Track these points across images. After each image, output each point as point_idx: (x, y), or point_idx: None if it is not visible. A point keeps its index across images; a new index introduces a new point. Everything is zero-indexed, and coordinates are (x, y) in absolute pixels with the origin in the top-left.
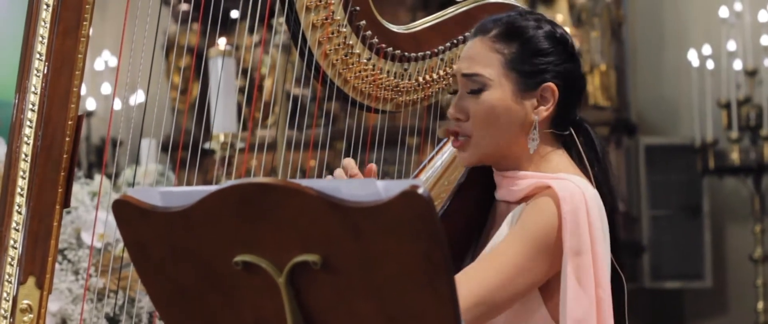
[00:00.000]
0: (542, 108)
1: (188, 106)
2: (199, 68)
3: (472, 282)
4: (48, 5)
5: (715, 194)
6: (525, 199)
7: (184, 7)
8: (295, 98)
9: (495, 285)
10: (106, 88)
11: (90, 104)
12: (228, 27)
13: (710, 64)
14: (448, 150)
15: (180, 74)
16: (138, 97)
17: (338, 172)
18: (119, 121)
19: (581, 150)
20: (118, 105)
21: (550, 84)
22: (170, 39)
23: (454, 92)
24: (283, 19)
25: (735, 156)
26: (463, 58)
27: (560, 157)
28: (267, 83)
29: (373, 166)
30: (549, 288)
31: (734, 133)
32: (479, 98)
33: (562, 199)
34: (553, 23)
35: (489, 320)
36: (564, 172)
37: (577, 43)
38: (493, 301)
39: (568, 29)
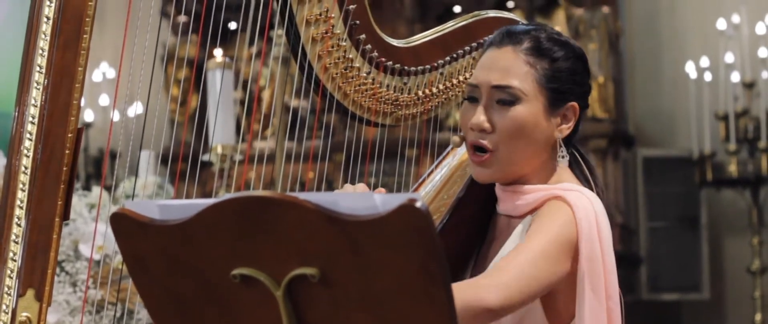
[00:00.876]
0: (565, 126)
1: (187, 118)
2: (198, 80)
3: (505, 274)
4: (48, 18)
5: (713, 206)
6: (532, 211)
7: (182, 19)
8: (294, 110)
9: (518, 288)
10: (105, 100)
11: (88, 116)
12: (227, 39)
13: (708, 76)
14: (447, 164)
15: (179, 86)
16: (136, 109)
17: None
18: (118, 133)
19: (583, 165)
20: (116, 117)
21: (574, 104)
22: (169, 51)
23: (470, 99)
24: (282, 32)
25: (733, 168)
26: (490, 68)
27: (565, 172)
28: (266, 95)
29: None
30: (551, 293)
31: (732, 145)
32: (510, 111)
33: (575, 206)
34: (572, 41)
35: (503, 316)
36: (570, 184)
37: None
38: (528, 292)
39: None
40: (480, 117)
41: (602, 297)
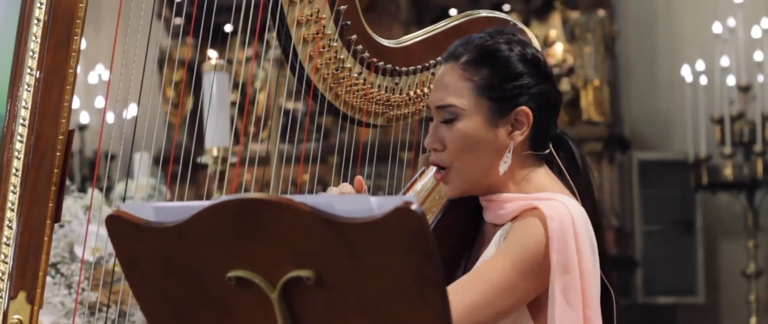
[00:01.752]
0: (517, 132)
1: (181, 120)
2: (193, 82)
3: (457, 297)
4: (39, 20)
5: (708, 210)
6: (513, 220)
7: (177, 21)
8: (288, 112)
9: (480, 302)
10: (100, 102)
11: (83, 118)
12: (221, 41)
13: (703, 80)
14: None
15: (173, 88)
16: (131, 111)
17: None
18: (113, 135)
19: (561, 166)
20: (111, 119)
21: (524, 108)
22: (164, 53)
23: (430, 120)
24: (274, 33)
25: (728, 171)
26: (435, 88)
27: (542, 176)
28: (260, 97)
29: (360, 178)
30: (538, 304)
31: (727, 149)
32: (453, 127)
33: (549, 218)
34: (524, 43)
35: None
36: (548, 191)
37: (570, 59)
38: (478, 317)
39: (561, 45)
40: (429, 138)
41: (578, 306)
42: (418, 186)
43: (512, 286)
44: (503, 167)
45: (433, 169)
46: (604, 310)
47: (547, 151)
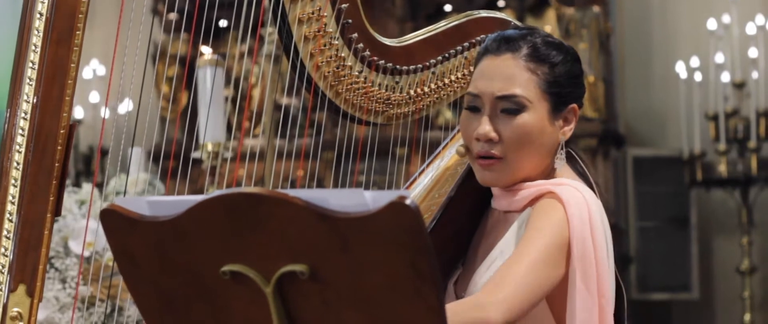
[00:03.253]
0: (567, 128)
1: (178, 116)
2: (189, 78)
3: (505, 289)
4: (41, 14)
5: (703, 206)
6: (530, 203)
7: (173, 16)
8: (284, 108)
9: (527, 285)
10: (95, 97)
11: (78, 113)
12: (218, 37)
13: (698, 76)
14: (438, 164)
15: (169, 83)
16: (127, 106)
17: None
18: (108, 130)
19: (582, 164)
20: (107, 114)
21: (575, 106)
22: (160, 48)
23: (471, 108)
24: (274, 30)
25: (722, 168)
26: (495, 77)
27: (564, 170)
28: (256, 93)
29: None
30: (553, 293)
31: (722, 146)
32: (515, 119)
33: (566, 202)
34: (565, 43)
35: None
36: (566, 179)
37: None
38: (529, 302)
39: None
40: (486, 127)
41: (595, 295)
42: (429, 176)
43: (551, 261)
44: (560, 164)
45: (442, 159)
46: (616, 307)
47: (567, 149)
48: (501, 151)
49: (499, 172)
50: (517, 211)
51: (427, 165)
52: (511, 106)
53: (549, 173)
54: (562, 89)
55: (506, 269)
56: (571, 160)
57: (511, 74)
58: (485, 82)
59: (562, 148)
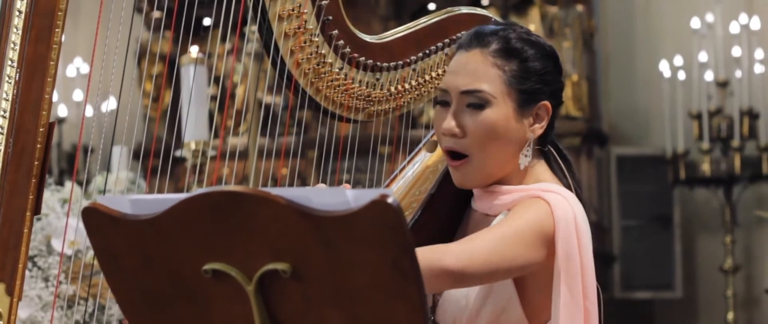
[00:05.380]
0: (537, 126)
1: (160, 114)
2: (172, 76)
3: (472, 243)
4: (20, 12)
5: (686, 205)
6: (510, 208)
7: (156, 14)
8: (267, 106)
9: (494, 248)
10: (78, 95)
11: (62, 111)
12: (201, 35)
13: (682, 75)
14: (419, 160)
15: (152, 82)
16: (110, 105)
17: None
18: (91, 128)
19: (561, 164)
20: (89, 112)
21: (546, 103)
22: (143, 46)
23: (441, 103)
24: (255, 28)
25: (706, 167)
26: (461, 72)
27: (542, 170)
28: (239, 91)
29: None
30: (524, 285)
31: (705, 144)
32: (480, 115)
33: (554, 206)
34: (540, 37)
35: (475, 284)
36: (548, 183)
37: None
38: (490, 264)
39: None
40: (450, 122)
41: (579, 297)
42: (409, 172)
43: (524, 241)
44: (524, 161)
45: (420, 158)
46: None
47: (547, 148)
48: (465, 146)
49: (467, 173)
50: (494, 215)
51: (408, 161)
52: (475, 102)
53: (527, 173)
54: (531, 85)
55: (480, 232)
56: (552, 161)
57: (476, 69)
58: (452, 77)
59: (529, 146)
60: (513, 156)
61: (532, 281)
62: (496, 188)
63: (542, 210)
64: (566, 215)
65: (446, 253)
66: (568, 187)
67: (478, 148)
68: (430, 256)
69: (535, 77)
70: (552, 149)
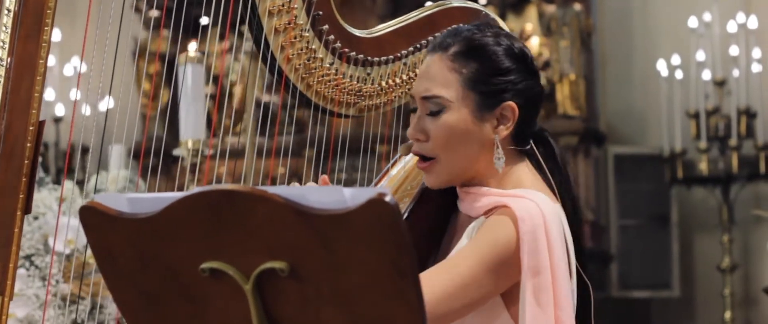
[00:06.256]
0: (502, 127)
1: (158, 113)
2: (169, 75)
3: (425, 287)
4: (9, 10)
5: (684, 204)
6: (486, 214)
7: (154, 13)
8: (264, 105)
9: (446, 293)
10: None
11: (59, 110)
12: (198, 34)
13: (679, 74)
14: (410, 156)
15: (150, 80)
16: (107, 104)
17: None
18: (89, 127)
19: (541, 162)
20: (87, 111)
21: (510, 103)
22: (140, 45)
23: (413, 110)
24: (246, 25)
25: (703, 166)
26: (421, 78)
27: (522, 171)
28: (236, 90)
29: (325, 177)
30: (511, 295)
31: (703, 143)
32: (438, 120)
33: (520, 219)
34: (512, 37)
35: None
36: (525, 188)
37: (546, 53)
38: (445, 307)
39: (537, 38)
40: (411, 128)
41: (549, 307)
42: (393, 172)
43: (478, 281)
44: (498, 164)
45: (409, 156)
46: (581, 304)
47: (528, 146)
48: (429, 150)
49: (436, 174)
50: (475, 217)
51: (399, 157)
52: (433, 108)
53: (505, 174)
54: (492, 87)
55: (433, 272)
56: (533, 160)
57: (435, 75)
58: (417, 82)
59: (497, 148)
60: (477, 156)
61: (517, 292)
62: (474, 189)
63: (503, 234)
64: (534, 226)
65: None
66: (550, 186)
67: (441, 150)
68: None
69: (496, 77)
70: (535, 147)
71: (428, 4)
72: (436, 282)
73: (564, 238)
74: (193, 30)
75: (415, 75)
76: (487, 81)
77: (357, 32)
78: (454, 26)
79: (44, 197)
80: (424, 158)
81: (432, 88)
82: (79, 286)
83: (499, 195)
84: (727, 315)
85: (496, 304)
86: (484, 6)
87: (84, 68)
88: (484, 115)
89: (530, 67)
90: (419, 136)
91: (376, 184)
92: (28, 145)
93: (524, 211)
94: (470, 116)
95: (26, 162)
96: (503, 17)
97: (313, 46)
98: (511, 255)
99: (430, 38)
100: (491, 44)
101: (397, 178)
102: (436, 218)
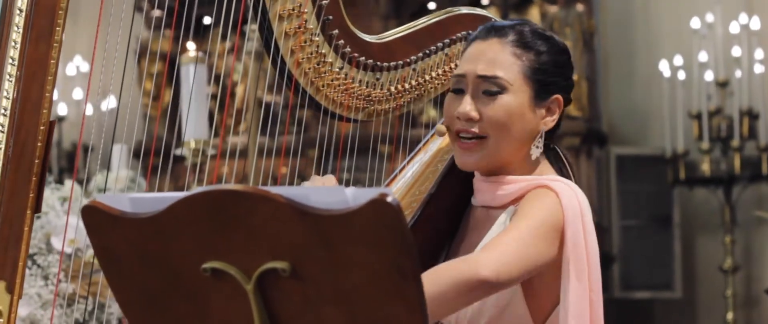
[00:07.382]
0: (549, 118)
1: (160, 113)
2: (172, 75)
3: (499, 249)
4: (21, 10)
5: (686, 205)
6: (514, 202)
7: (156, 13)
8: (267, 105)
9: (521, 251)
10: (78, 94)
11: (62, 109)
12: (201, 34)
13: (681, 75)
14: (419, 160)
15: (152, 80)
16: (110, 103)
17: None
18: (91, 127)
19: (564, 159)
20: (89, 110)
21: (559, 97)
22: (143, 45)
23: (455, 91)
24: (256, 27)
25: (705, 167)
26: (474, 59)
27: (545, 166)
28: (239, 90)
29: (332, 177)
30: (532, 286)
31: (705, 144)
32: (496, 100)
33: (561, 193)
34: (556, 36)
35: (496, 292)
36: (553, 175)
37: None
38: (521, 267)
39: None
40: (467, 106)
41: (585, 285)
42: (409, 172)
43: (538, 241)
44: (535, 152)
45: (430, 149)
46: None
47: (553, 144)
48: (482, 129)
49: (478, 155)
50: (501, 207)
51: (408, 161)
52: (492, 88)
53: (532, 166)
54: (547, 77)
55: (499, 238)
56: (554, 159)
57: (494, 57)
58: (470, 63)
59: (541, 137)
60: (524, 145)
61: (537, 274)
62: (500, 178)
63: (552, 201)
64: (573, 204)
65: (478, 264)
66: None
67: (495, 130)
68: (462, 268)
69: (550, 70)
70: (557, 148)
71: (431, 5)
72: (501, 250)
73: (593, 226)
74: (196, 30)
75: (425, 80)
76: (544, 72)
77: (367, 37)
78: (494, 21)
79: (47, 197)
80: (464, 138)
81: (492, 68)
82: (85, 286)
83: (531, 180)
84: (729, 316)
85: (516, 298)
86: (486, 7)
87: (87, 68)
88: (538, 104)
89: (571, 63)
90: (473, 114)
91: (388, 185)
92: (39, 144)
93: (564, 190)
94: (527, 102)
95: (36, 161)
96: (505, 18)
97: (323, 51)
98: (560, 225)
99: (439, 44)
100: (543, 38)
101: (407, 181)
102: (446, 220)
